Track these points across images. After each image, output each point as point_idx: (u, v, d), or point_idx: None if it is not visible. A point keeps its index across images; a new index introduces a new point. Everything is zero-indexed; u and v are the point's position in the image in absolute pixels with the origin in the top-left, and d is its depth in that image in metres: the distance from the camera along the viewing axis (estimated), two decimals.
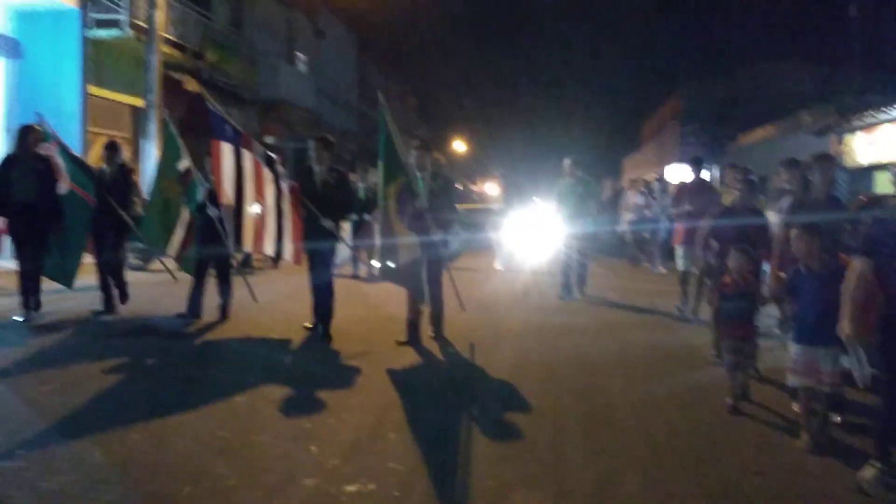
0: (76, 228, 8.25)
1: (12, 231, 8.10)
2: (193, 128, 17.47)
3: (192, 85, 17.07)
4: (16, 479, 3.79)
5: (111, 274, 8.52)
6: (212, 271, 8.43)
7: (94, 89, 15.20)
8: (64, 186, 8.13)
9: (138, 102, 16.48)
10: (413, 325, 7.28)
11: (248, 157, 7.65)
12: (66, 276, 8.52)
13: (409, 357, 6.79)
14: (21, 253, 8.03)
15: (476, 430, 4.73)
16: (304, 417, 4.93)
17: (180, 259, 8.70)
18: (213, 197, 8.03)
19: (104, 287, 8.49)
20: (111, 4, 15.05)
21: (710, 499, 3.75)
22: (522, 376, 6.08)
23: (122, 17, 14.99)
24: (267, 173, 7.62)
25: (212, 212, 8.00)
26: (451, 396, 5.60)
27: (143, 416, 4.82)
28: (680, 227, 9.06)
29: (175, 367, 6.41)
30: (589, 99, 53.39)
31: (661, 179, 15.93)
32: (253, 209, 7.78)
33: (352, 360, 6.61)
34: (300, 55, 26.37)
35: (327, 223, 7.25)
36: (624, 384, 5.92)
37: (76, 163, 8.50)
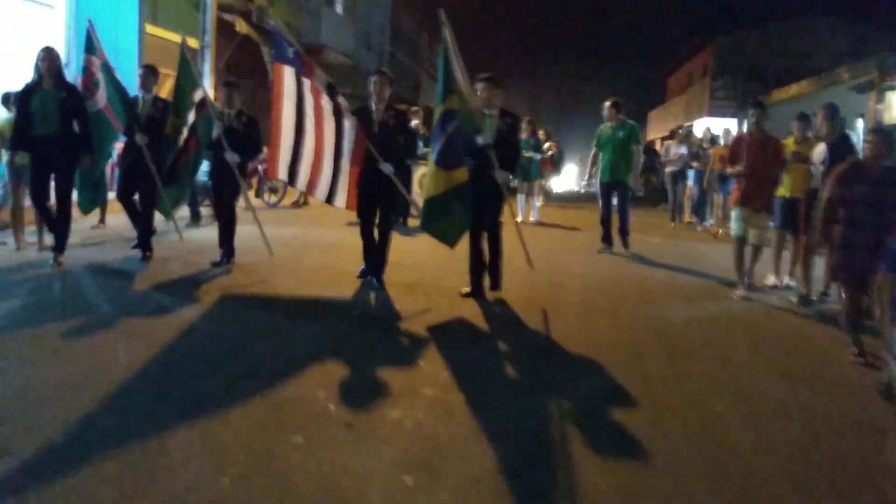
0: (99, 154, 7.78)
1: (33, 164, 7.35)
2: (241, 69, 17.89)
3: (242, 27, 17.31)
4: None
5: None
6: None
7: (149, 27, 15.49)
8: (98, 103, 7.73)
9: (191, 42, 16.79)
10: (477, 277, 6.82)
11: (308, 85, 6.83)
12: (86, 203, 8.18)
13: (474, 312, 6.32)
14: (35, 193, 7.35)
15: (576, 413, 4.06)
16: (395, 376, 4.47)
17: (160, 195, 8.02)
18: (234, 137, 7.52)
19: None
20: None
21: None
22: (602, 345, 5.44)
23: None
24: (327, 105, 6.82)
25: (230, 157, 7.41)
26: (543, 367, 4.99)
27: (190, 398, 4.00)
28: (737, 185, 7.84)
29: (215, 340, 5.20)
30: (613, 51, 52.80)
31: (709, 130, 15.34)
32: (310, 143, 7.01)
33: (414, 319, 6.00)
34: (337, 1, 26.40)
35: (386, 167, 6.69)
36: (721, 369, 5.06)
37: (116, 86, 7.93)
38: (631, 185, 10.14)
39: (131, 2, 15.01)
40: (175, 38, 16.33)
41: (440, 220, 6.53)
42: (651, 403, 4.26)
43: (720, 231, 12.87)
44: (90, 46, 7.99)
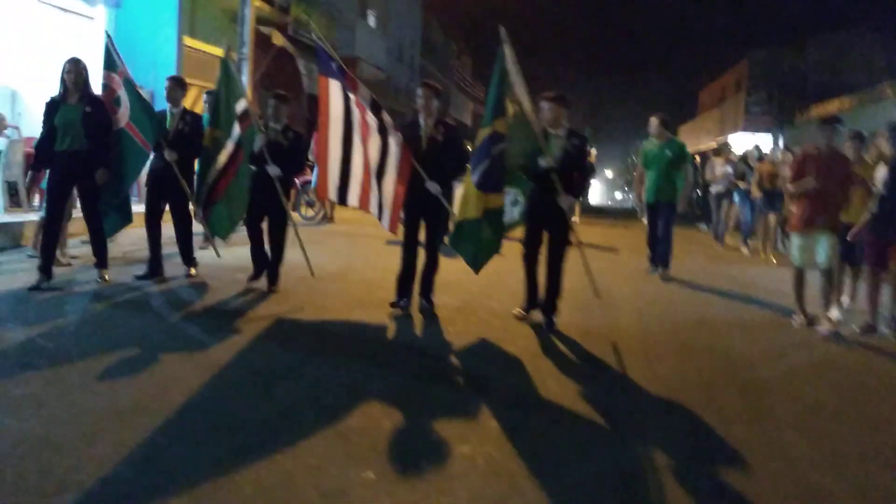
0: (123, 174, 7.32)
1: (50, 183, 7.01)
2: (277, 82, 17.84)
3: (278, 39, 17.28)
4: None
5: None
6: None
7: (187, 40, 15.49)
8: (119, 122, 7.27)
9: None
10: (532, 301, 6.62)
11: (353, 101, 6.67)
12: (110, 227, 7.59)
13: (530, 340, 5.97)
14: (53, 208, 6.93)
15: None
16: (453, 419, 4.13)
17: (206, 219, 7.58)
18: (277, 151, 7.17)
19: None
20: None
21: None
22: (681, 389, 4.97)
23: None
24: (372, 122, 6.57)
25: (272, 170, 7.06)
26: (614, 407, 4.60)
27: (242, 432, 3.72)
28: (798, 207, 7.07)
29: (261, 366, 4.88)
30: (643, 64, 52.51)
31: (758, 147, 14.27)
32: (358, 158, 6.80)
33: (470, 347, 5.73)
34: (370, 11, 26.42)
35: (432, 186, 6.36)
36: (799, 408, 4.73)
37: (141, 103, 7.44)
38: (678, 207, 9.68)
39: (170, 14, 15.01)
40: (213, 50, 16.44)
41: (469, 241, 6.35)
42: (733, 448, 4.00)
43: (766, 252, 12.53)
44: (110, 62, 7.48)
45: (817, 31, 31.79)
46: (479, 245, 6.33)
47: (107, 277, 7.25)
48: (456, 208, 6.59)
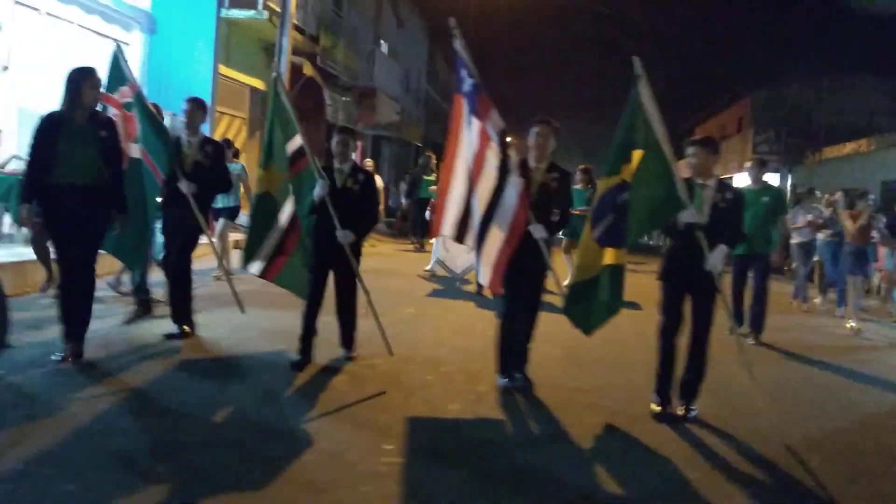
0: (138, 212, 6.00)
1: (51, 224, 5.50)
2: (302, 112, 17.57)
3: (308, 69, 17.03)
4: None
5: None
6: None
7: (221, 68, 15.19)
8: (134, 149, 6.03)
9: (257, 83, 16.51)
10: (666, 392, 5.41)
11: (476, 128, 5.57)
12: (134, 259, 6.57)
13: (678, 447, 4.71)
14: (65, 257, 5.52)
15: None
16: None
17: (272, 277, 6.23)
18: (346, 201, 5.90)
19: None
20: None
21: None
22: None
23: None
24: (493, 158, 5.51)
25: (344, 237, 5.81)
26: None
27: None
28: None
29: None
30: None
31: (847, 192, 12.04)
32: (457, 195, 5.78)
33: (598, 451, 4.59)
34: (383, 42, 26.31)
35: (538, 231, 5.42)
36: None
37: (153, 124, 6.15)
38: (772, 261, 8.79)
39: (207, 41, 14.69)
40: (246, 79, 16.17)
41: (584, 302, 5.55)
42: None
43: (853, 325, 9.83)
44: (118, 78, 6.22)
45: (818, 72, 32.08)
46: (595, 305, 5.50)
47: (76, 353, 5.52)
48: (573, 268, 5.84)
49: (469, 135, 5.63)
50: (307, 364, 5.92)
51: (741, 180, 28.66)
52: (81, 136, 5.31)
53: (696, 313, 5.36)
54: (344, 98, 20.59)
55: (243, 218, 11.03)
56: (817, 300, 12.09)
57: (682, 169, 5.33)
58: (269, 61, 16.57)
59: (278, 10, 14.93)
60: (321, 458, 4.07)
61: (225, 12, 14.81)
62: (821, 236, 11.61)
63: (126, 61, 6.39)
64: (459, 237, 5.93)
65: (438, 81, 36.69)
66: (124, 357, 5.77)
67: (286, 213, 6.08)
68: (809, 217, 11.43)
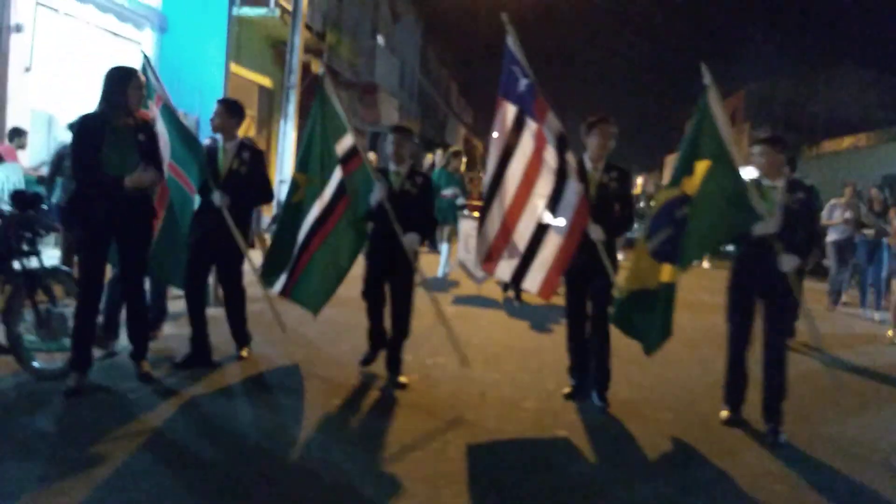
0: (173, 229, 5.60)
1: (85, 237, 5.05)
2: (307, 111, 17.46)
3: (316, 67, 16.90)
4: None
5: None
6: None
7: (233, 66, 15.05)
8: (164, 167, 5.45)
9: (265, 82, 16.39)
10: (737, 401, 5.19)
11: (532, 130, 5.29)
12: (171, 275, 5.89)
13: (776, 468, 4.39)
14: (90, 277, 5.00)
15: None
16: None
17: (288, 293, 5.76)
18: (405, 204, 5.53)
19: None
20: None
21: None
22: None
23: None
24: (551, 160, 5.26)
25: (409, 242, 5.47)
26: None
27: None
28: None
29: None
30: (627, 92, 52.94)
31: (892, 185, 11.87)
32: (505, 206, 5.39)
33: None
34: (380, 37, 26.18)
35: (595, 231, 5.13)
36: None
37: (182, 134, 5.67)
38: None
39: (219, 40, 14.54)
40: (257, 78, 16.02)
41: (642, 316, 5.22)
42: None
43: (892, 335, 9.08)
44: (148, 90, 5.80)
45: (812, 66, 32.35)
46: (652, 321, 5.18)
47: (147, 371, 5.25)
48: (624, 278, 5.43)
49: (522, 137, 5.33)
50: (373, 359, 5.80)
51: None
52: (124, 141, 4.94)
53: (770, 324, 5.08)
54: (350, 95, 20.48)
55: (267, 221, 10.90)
56: (875, 316, 10.74)
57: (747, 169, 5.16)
58: (276, 59, 16.49)
59: (289, 7, 14.81)
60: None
61: (237, 10, 14.66)
62: (867, 233, 10.87)
63: (154, 70, 5.97)
64: (488, 266, 5.53)
65: (431, 76, 36.59)
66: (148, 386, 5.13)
67: (310, 220, 5.65)
68: (848, 214, 10.81)
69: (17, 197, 5.56)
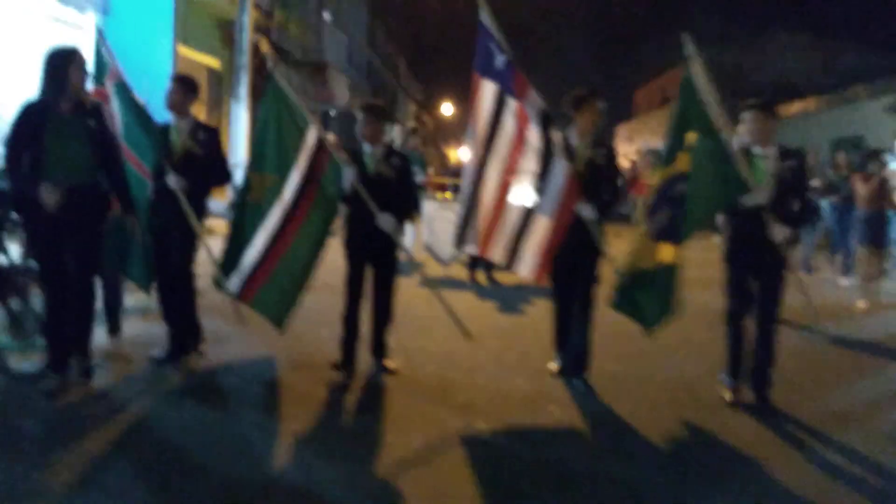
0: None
1: (38, 234, 4.75)
2: (258, 92, 16.98)
3: (264, 46, 16.44)
4: None
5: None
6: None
7: (180, 48, 14.53)
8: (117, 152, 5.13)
9: (214, 63, 15.88)
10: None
11: (513, 109, 5.15)
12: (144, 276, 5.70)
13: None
14: (52, 275, 4.75)
15: None
16: None
17: (248, 298, 5.38)
18: (382, 187, 5.27)
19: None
20: None
21: None
22: None
23: None
24: (533, 139, 5.10)
25: (384, 222, 5.21)
26: None
27: None
28: None
29: None
30: (572, 62, 52.88)
31: (863, 153, 11.36)
32: (491, 185, 5.22)
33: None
34: (325, 12, 25.63)
35: (586, 210, 5.04)
36: None
37: (136, 113, 5.47)
38: None
39: (165, 21, 13.98)
40: (205, 59, 15.49)
41: (642, 297, 5.13)
42: None
43: (862, 306, 9.05)
44: (103, 67, 5.64)
45: (750, 34, 32.66)
46: (651, 298, 5.10)
47: (90, 367, 4.93)
48: (621, 259, 5.26)
49: (501, 116, 5.19)
50: (352, 373, 5.39)
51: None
52: (69, 129, 4.59)
53: (763, 294, 5.06)
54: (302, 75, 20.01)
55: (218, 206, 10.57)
56: (844, 282, 10.61)
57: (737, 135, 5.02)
58: (225, 39, 15.96)
59: None
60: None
61: None
62: (825, 202, 10.85)
63: (108, 46, 5.75)
64: (459, 241, 5.39)
65: (378, 51, 36.05)
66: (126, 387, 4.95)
67: (271, 222, 5.30)
68: (815, 182, 10.71)
69: None
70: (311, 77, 21.35)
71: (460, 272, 9.94)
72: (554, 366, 5.59)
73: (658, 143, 30.79)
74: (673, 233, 4.97)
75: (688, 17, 39.21)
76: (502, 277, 9.67)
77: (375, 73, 34.06)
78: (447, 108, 50.28)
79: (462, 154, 34.03)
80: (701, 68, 4.93)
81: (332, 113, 23.20)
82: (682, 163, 4.94)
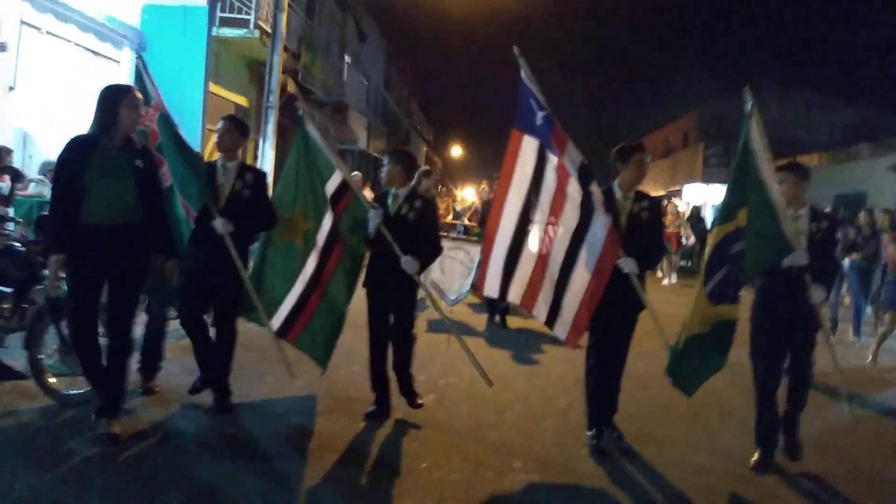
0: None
1: (76, 276, 4.53)
2: (282, 131, 17.51)
3: (291, 86, 17.00)
4: None
5: None
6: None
7: (211, 86, 15.09)
8: (165, 178, 5.21)
9: (242, 101, 16.44)
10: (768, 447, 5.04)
11: (553, 164, 5.10)
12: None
13: None
14: (84, 315, 4.56)
15: None
16: None
17: (292, 338, 5.50)
18: (403, 230, 5.34)
19: None
20: (238, 3, 14.98)
21: None
22: None
23: (251, 17, 14.93)
24: (574, 193, 5.02)
25: (408, 264, 5.23)
26: None
27: None
28: None
29: None
30: (581, 111, 53.63)
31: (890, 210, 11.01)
32: (534, 241, 5.18)
33: None
34: (346, 56, 26.35)
35: (628, 266, 4.87)
36: None
37: (180, 148, 5.18)
38: None
39: (198, 60, 14.54)
40: (235, 98, 16.04)
41: (689, 359, 4.96)
42: None
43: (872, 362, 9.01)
44: (144, 96, 5.13)
45: (763, 88, 33.23)
46: (699, 363, 4.98)
47: (117, 432, 4.66)
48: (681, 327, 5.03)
49: (543, 171, 5.17)
50: (387, 416, 5.49)
51: (692, 192, 29.55)
52: (116, 166, 4.51)
53: (798, 356, 5.01)
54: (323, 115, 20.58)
55: None
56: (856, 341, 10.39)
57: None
58: (253, 78, 16.55)
59: (268, 28, 14.92)
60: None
61: (216, 31, 14.70)
62: (855, 257, 10.39)
63: (150, 76, 5.53)
64: (503, 293, 5.32)
65: (393, 93, 36.82)
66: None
67: (310, 266, 5.45)
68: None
69: (41, 223, 5.62)
70: (332, 117, 21.93)
71: (462, 315, 10.10)
72: (591, 441, 5.18)
73: (661, 192, 31.26)
74: (732, 293, 4.90)
75: (692, 72, 40.00)
76: (513, 322, 9.87)
77: (391, 114, 34.75)
78: (456, 150, 51.11)
79: (467, 195, 34.84)
80: (758, 124, 4.90)
81: (352, 151, 23.76)
82: (742, 218, 4.84)
